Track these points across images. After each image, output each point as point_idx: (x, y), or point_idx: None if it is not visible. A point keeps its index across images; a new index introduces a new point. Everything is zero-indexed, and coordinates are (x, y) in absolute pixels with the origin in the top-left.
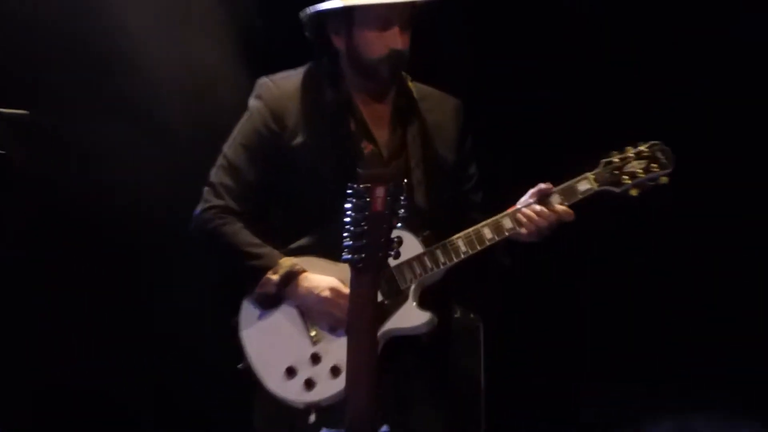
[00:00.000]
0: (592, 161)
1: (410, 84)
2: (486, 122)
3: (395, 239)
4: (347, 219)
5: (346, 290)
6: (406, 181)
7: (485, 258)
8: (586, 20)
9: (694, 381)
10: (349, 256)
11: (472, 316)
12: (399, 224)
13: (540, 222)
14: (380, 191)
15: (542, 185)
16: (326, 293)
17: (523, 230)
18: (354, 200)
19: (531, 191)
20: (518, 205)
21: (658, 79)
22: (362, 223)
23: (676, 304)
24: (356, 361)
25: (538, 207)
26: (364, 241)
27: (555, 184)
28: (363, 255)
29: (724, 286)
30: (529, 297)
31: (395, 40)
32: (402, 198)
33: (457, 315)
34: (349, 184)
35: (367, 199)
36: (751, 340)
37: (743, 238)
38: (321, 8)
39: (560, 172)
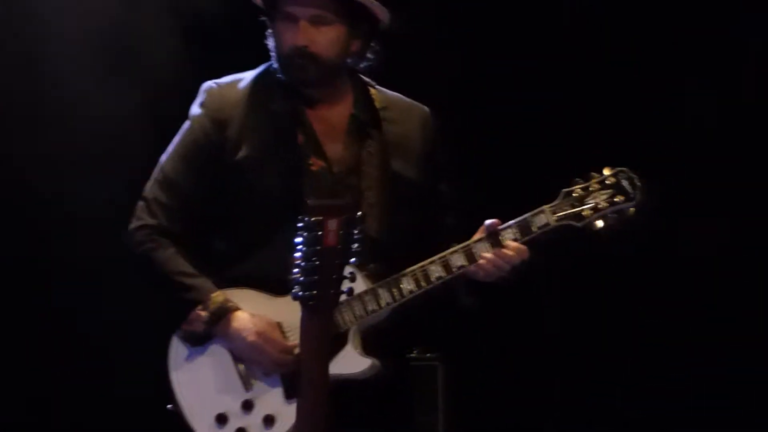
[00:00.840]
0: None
1: (373, 91)
2: (468, 129)
3: (348, 275)
4: (298, 254)
5: (275, 335)
6: (360, 213)
7: (443, 296)
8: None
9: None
10: (300, 293)
11: (429, 355)
12: (354, 259)
13: (493, 263)
14: (333, 224)
15: (488, 222)
16: (252, 338)
17: (473, 268)
18: (305, 234)
19: (481, 228)
20: (469, 243)
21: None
22: (314, 259)
23: (651, 339)
24: (306, 406)
25: (489, 248)
26: (316, 277)
27: (521, 208)
28: (315, 292)
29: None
30: (495, 330)
31: (295, 35)
32: (356, 231)
33: (412, 354)
34: (300, 217)
35: (319, 233)
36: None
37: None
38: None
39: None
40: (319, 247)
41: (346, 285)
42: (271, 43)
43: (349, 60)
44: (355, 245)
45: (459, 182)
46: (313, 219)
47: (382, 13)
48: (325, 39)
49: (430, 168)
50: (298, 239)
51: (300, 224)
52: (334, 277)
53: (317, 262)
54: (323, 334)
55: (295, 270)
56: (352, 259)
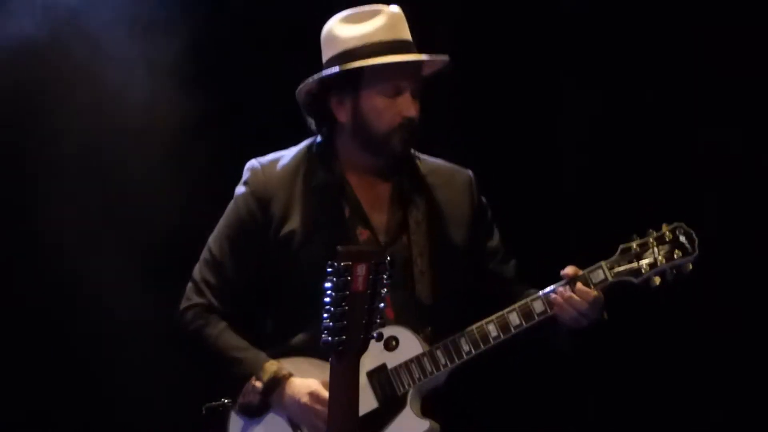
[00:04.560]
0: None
1: (416, 158)
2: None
3: (377, 320)
4: (326, 299)
5: (326, 394)
6: (389, 259)
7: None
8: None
9: None
10: (328, 338)
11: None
12: (382, 304)
13: (572, 304)
14: (361, 269)
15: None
16: (305, 399)
17: (556, 310)
18: (333, 279)
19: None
20: (526, 301)
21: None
22: (342, 304)
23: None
24: None
25: (567, 291)
26: (345, 322)
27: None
28: (343, 337)
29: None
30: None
31: (408, 107)
32: (385, 276)
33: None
34: (329, 262)
35: (348, 278)
36: None
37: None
38: (326, 74)
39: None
40: (347, 292)
41: (375, 330)
42: (347, 114)
43: None
44: (384, 291)
45: (501, 237)
46: (342, 264)
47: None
48: (418, 109)
49: (478, 228)
50: (327, 284)
51: (329, 269)
52: (363, 322)
53: (346, 307)
54: (352, 380)
55: (324, 315)
56: (382, 304)
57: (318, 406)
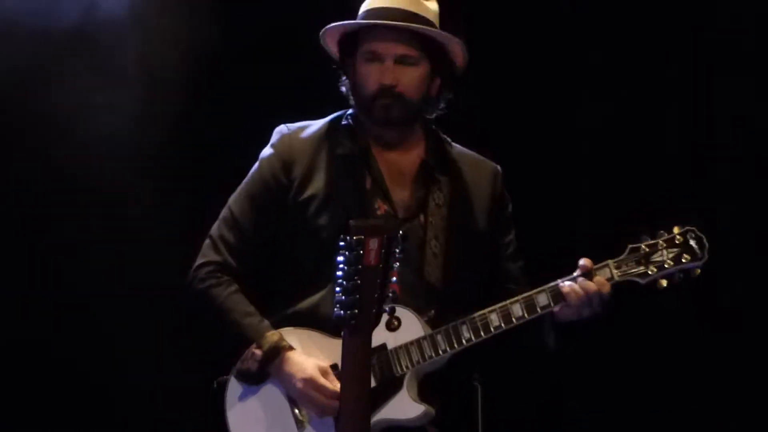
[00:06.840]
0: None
1: (446, 143)
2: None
3: (390, 293)
4: (338, 273)
5: (324, 380)
6: (401, 233)
7: (518, 339)
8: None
9: None
10: (341, 312)
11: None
12: (394, 278)
13: (580, 294)
14: (374, 243)
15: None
16: (300, 384)
17: (557, 308)
18: (346, 252)
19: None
20: (530, 294)
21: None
22: (355, 278)
23: (680, 364)
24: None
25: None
26: (357, 296)
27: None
28: (356, 311)
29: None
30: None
31: (384, 74)
32: (398, 250)
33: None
34: (341, 236)
35: (360, 252)
36: None
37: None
38: (328, 32)
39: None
40: (360, 267)
41: (387, 304)
42: (346, 87)
43: (426, 102)
44: (397, 264)
45: (516, 234)
46: (354, 238)
47: (462, 53)
48: (409, 79)
49: (498, 220)
50: (340, 258)
51: (341, 243)
52: (375, 296)
53: (358, 282)
54: (364, 355)
55: (336, 289)
56: (394, 278)
57: (313, 392)
